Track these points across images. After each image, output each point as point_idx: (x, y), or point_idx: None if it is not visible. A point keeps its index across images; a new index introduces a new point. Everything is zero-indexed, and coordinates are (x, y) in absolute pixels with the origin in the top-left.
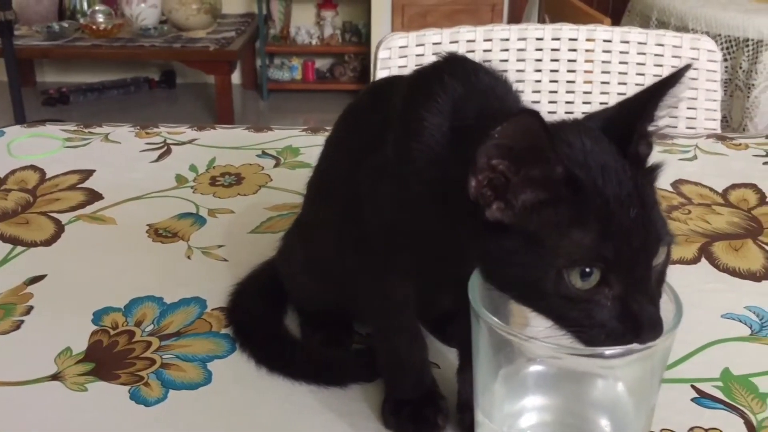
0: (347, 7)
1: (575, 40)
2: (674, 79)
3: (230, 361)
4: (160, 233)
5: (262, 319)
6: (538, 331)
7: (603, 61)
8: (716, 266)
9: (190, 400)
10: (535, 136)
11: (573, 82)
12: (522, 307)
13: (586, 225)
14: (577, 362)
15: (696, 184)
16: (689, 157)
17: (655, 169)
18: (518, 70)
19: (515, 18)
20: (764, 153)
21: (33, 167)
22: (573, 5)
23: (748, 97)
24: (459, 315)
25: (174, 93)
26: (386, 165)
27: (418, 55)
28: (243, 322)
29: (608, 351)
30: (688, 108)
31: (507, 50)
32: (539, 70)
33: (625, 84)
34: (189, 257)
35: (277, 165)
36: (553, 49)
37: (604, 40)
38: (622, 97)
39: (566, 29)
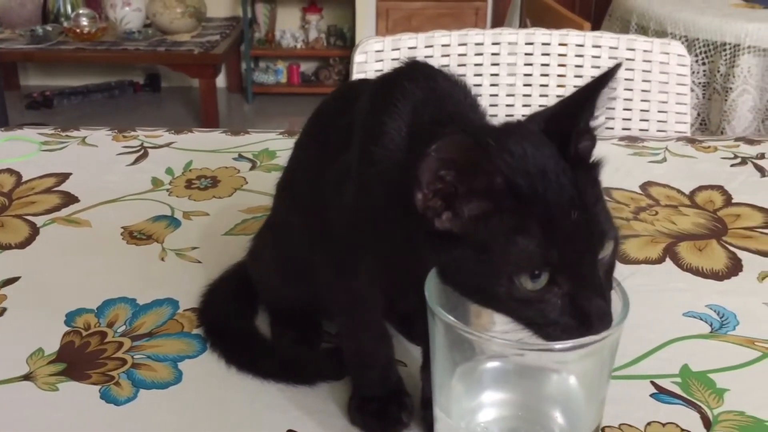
0: (332, 11)
1: (548, 44)
2: (607, 77)
3: (201, 361)
4: (134, 235)
5: (232, 319)
6: (500, 327)
7: (576, 66)
8: (680, 266)
9: (160, 399)
10: (470, 152)
11: (546, 86)
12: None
13: (530, 232)
14: (532, 358)
15: (664, 186)
16: (659, 159)
17: (597, 165)
18: (492, 74)
19: (499, 22)
20: (732, 155)
21: (9, 170)
22: (554, 10)
23: (726, 100)
24: (421, 313)
25: (159, 96)
26: (350, 168)
27: (393, 59)
28: (214, 322)
29: (558, 345)
30: (659, 111)
31: (481, 54)
32: (513, 74)
33: None
34: (163, 259)
35: (253, 168)
36: (526, 54)
37: (577, 45)
38: None
39: (539, 34)
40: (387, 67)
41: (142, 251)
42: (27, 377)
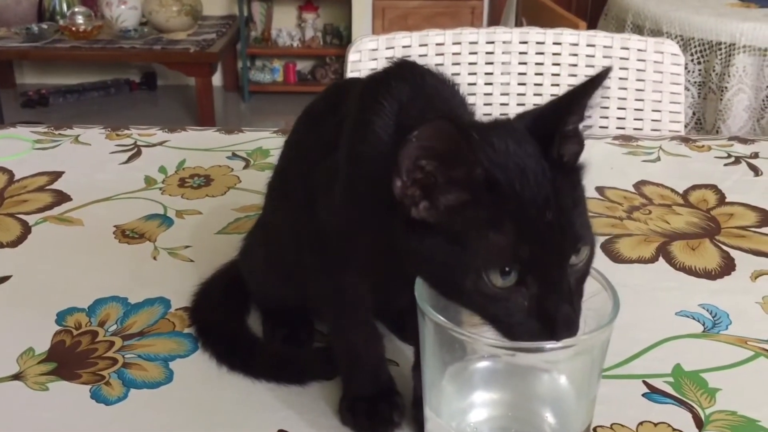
0: (328, 10)
1: (542, 43)
2: (597, 81)
3: (192, 360)
4: (126, 234)
5: (224, 318)
6: (488, 328)
7: (570, 65)
8: (673, 265)
9: (150, 398)
10: (452, 140)
11: (541, 85)
12: None
13: (502, 227)
14: (523, 357)
15: (658, 185)
16: (653, 158)
17: (579, 170)
18: (487, 73)
19: (495, 21)
20: (726, 155)
21: (2, 169)
22: (550, 9)
23: (721, 99)
24: (412, 312)
25: (155, 95)
26: (338, 167)
27: (387, 58)
28: (205, 321)
29: (549, 344)
30: (653, 110)
31: (476, 53)
32: (507, 73)
33: None
34: (155, 258)
35: (246, 166)
36: (521, 53)
37: (571, 44)
38: None
39: (533, 33)
40: (381, 65)
41: (135, 250)
42: (17, 377)
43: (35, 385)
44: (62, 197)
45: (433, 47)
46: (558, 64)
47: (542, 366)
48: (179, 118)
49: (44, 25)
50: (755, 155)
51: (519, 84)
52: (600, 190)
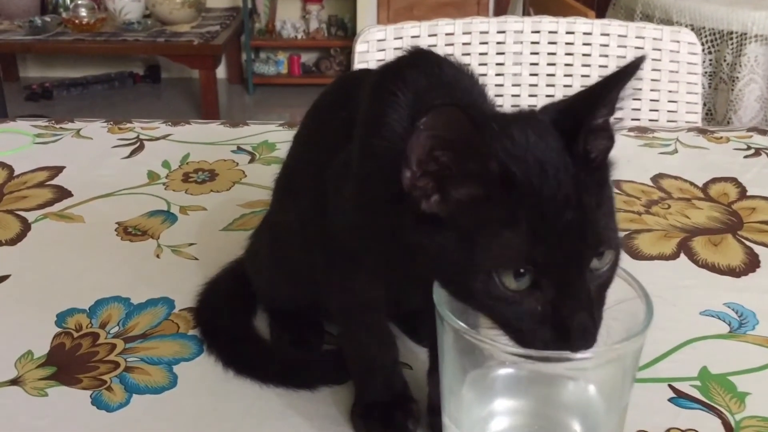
0: (333, 1)
1: (555, 33)
2: (629, 71)
3: (197, 364)
4: (129, 231)
5: (230, 319)
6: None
7: (583, 54)
8: (695, 262)
9: (153, 404)
10: (462, 129)
11: (553, 75)
12: None
13: (517, 226)
14: (547, 365)
15: (676, 178)
16: (670, 150)
17: (607, 167)
18: (498, 63)
19: (501, 11)
20: (745, 146)
21: (1, 164)
22: None
23: (732, 89)
24: (428, 314)
25: (159, 88)
26: (350, 163)
27: (396, 49)
28: (211, 322)
29: (579, 354)
30: (669, 101)
31: (486, 43)
32: (519, 63)
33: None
34: (158, 256)
35: (252, 161)
36: (533, 42)
37: (585, 33)
38: None
39: (546, 22)
40: (389, 56)
41: (137, 248)
42: (15, 381)
43: (34, 391)
44: (63, 193)
45: (442, 37)
46: (571, 54)
47: (568, 374)
48: (183, 111)
49: (47, 18)
50: None
51: (531, 75)
52: (616, 183)
